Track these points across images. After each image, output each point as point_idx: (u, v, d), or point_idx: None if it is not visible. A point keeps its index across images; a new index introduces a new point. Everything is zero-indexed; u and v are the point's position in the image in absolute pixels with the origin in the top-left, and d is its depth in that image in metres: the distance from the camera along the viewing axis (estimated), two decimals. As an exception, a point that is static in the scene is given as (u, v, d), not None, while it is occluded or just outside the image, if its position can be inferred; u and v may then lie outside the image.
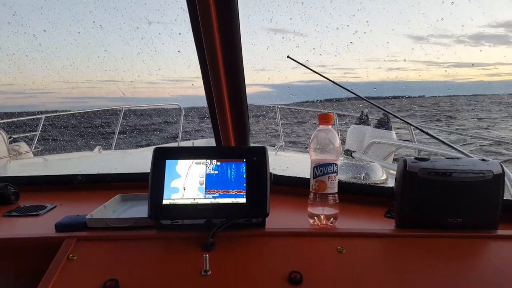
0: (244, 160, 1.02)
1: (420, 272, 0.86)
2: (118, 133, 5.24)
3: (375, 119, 4.15)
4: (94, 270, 0.87)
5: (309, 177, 1.05)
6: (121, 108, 5.43)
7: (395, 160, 3.38)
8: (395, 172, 1.79)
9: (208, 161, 1.03)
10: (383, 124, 3.87)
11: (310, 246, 0.95)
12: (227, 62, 1.02)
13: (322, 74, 1.18)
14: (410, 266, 0.88)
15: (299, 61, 1.16)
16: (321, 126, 1.04)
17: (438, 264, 0.89)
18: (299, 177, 1.36)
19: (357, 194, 1.28)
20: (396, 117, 1.71)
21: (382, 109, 1.56)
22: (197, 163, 1.03)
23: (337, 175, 1.03)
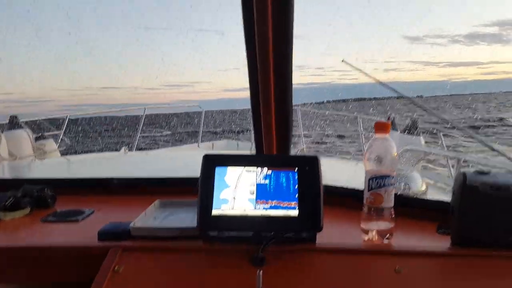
0: (296, 169, 0.97)
1: None
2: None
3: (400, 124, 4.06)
4: (141, 284, 0.84)
5: (353, 186, 1.00)
6: (143, 109, 5.47)
7: (423, 167, 3.29)
8: (429, 181, 1.71)
9: (259, 169, 0.98)
10: (411, 129, 3.77)
11: (366, 265, 0.90)
12: (277, 65, 0.98)
13: (370, 75, 1.13)
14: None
15: (352, 64, 1.12)
16: (377, 135, 0.98)
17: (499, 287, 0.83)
18: (348, 188, 1.30)
19: (404, 207, 1.22)
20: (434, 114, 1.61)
21: (432, 113, 1.49)
22: (247, 171, 0.98)
23: (394, 188, 0.97)
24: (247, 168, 0.98)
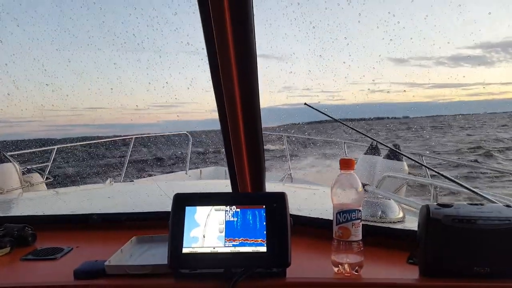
0: (264, 206, 1.02)
1: None
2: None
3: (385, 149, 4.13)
4: None
5: (326, 217, 1.03)
6: (131, 138, 5.50)
7: (407, 191, 3.33)
8: (410, 208, 1.75)
9: (228, 207, 1.02)
10: (394, 155, 3.83)
11: None
12: (245, 108, 1.03)
13: (337, 119, 1.20)
14: None
15: (315, 108, 1.19)
16: (342, 171, 1.03)
17: None
18: (318, 218, 1.34)
19: (376, 237, 1.25)
20: (403, 154, 1.69)
21: (387, 146, 1.55)
22: (216, 210, 1.02)
23: (361, 221, 1.02)
24: (216, 207, 1.02)
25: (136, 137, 6.10)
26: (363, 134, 1.46)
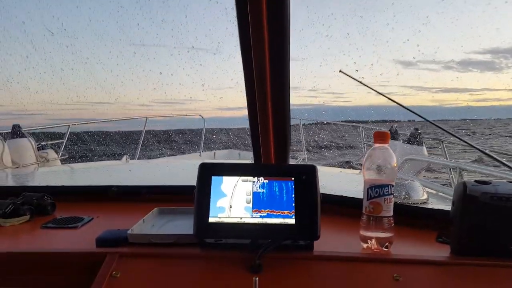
0: (293, 178, 0.97)
1: None
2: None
3: (404, 134, 4.04)
4: None
5: (352, 196, 0.99)
6: (144, 118, 5.53)
7: (425, 177, 3.26)
8: (431, 191, 1.69)
9: (255, 178, 0.98)
10: (414, 139, 3.74)
11: (364, 273, 0.89)
12: (274, 76, 0.98)
13: (378, 91, 1.14)
14: None
15: (351, 75, 1.12)
16: (376, 145, 0.98)
17: None
18: (347, 196, 1.30)
19: (403, 216, 1.21)
20: (456, 137, 1.62)
21: (451, 133, 1.48)
22: (243, 181, 0.98)
23: (393, 197, 0.97)
24: (243, 177, 0.98)
25: (137, 131, 6.09)
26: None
